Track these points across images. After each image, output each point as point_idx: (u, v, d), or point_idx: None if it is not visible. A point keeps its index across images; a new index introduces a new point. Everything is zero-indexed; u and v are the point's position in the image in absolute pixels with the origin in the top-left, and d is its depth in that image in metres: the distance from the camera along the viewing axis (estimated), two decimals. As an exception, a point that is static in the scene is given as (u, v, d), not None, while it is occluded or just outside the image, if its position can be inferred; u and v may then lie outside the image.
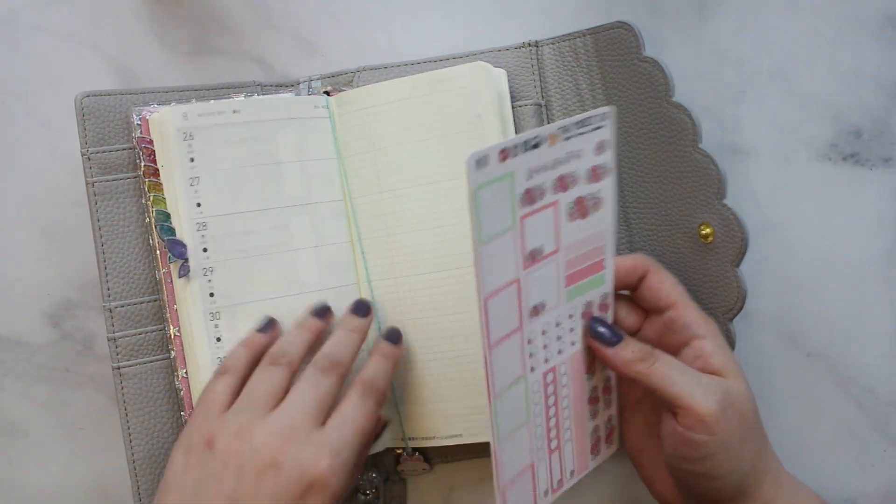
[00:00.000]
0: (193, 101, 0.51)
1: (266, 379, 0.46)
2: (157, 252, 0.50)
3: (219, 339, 0.50)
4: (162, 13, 0.56)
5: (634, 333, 0.47)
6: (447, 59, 0.53)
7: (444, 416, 0.52)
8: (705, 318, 0.46)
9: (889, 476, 0.53)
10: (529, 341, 0.42)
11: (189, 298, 0.49)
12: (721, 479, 0.43)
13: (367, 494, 0.54)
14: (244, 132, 0.50)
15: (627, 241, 0.52)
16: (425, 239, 0.51)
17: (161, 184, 0.50)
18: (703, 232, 0.49)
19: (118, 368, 0.50)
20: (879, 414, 0.53)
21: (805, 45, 0.54)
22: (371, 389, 0.46)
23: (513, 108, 0.52)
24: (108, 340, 0.50)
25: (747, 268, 0.54)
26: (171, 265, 0.50)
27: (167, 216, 0.50)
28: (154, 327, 0.51)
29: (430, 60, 0.53)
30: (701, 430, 0.42)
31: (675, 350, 0.45)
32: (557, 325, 0.44)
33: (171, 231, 0.50)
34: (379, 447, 0.52)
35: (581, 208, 0.42)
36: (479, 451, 0.54)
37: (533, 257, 0.41)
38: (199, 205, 0.49)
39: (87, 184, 0.50)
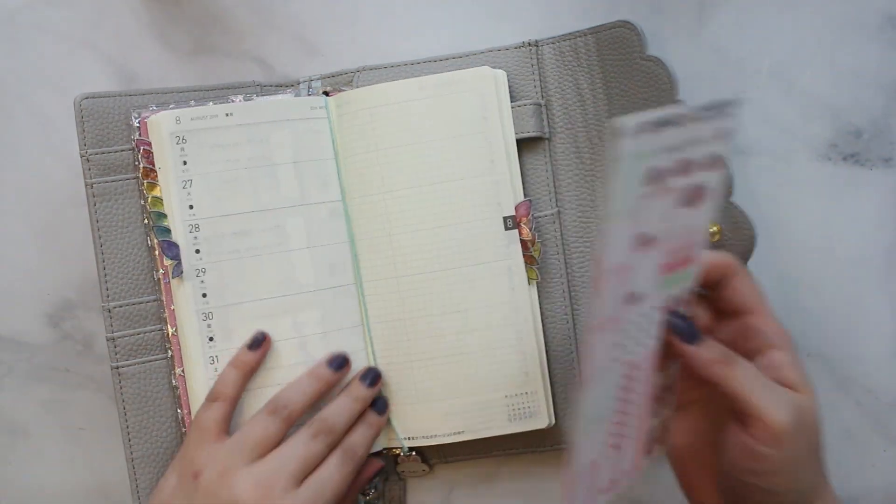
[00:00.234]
0: (192, 102, 0.51)
1: (262, 427, 0.47)
2: (156, 252, 0.50)
3: (211, 339, 0.50)
4: (162, 13, 0.56)
5: (706, 333, 0.43)
6: (447, 58, 0.53)
7: (446, 414, 0.52)
8: (782, 329, 0.44)
9: (889, 476, 0.53)
10: (624, 331, 0.39)
11: (183, 298, 0.50)
12: (780, 496, 0.42)
13: (368, 495, 0.54)
14: (238, 135, 0.50)
15: None
16: (426, 239, 0.51)
17: (159, 185, 0.50)
18: (711, 230, 0.49)
19: (117, 368, 0.50)
20: (879, 414, 0.53)
21: (805, 45, 0.54)
22: (352, 457, 0.49)
23: (512, 107, 0.52)
24: (107, 340, 0.50)
25: (748, 268, 0.54)
26: (169, 265, 0.50)
27: (164, 217, 0.50)
28: (153, 327, 0.51)
29: (430, 60, 0.53)
30: (771, 444, 0.40)
31: (746, 355, 0.43)
32: (647, 317, 0.40)
33: (168, 232, 0.50)
34: (373, 448, 0.52)
35: (691, 196, 0.39)
36: (479, 451, 0.54)
37: (643, 242, 0.37)
38: (191, 207, 0.50)
39: (86, 185, 0.50)
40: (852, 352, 0.53)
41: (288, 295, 0.51)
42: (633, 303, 0.39)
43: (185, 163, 0.50)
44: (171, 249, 0.50)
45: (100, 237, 0.50)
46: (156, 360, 0.51)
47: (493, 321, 0.51)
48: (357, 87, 0.53)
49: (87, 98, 0.51)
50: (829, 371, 0.53)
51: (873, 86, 0.53)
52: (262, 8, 0.56)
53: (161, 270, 0.50)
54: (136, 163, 0.51)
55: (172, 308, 0.50)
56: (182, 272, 0.50)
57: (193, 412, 0.50)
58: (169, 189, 0.50)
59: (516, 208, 0.51)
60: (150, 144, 0.50)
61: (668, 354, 0.42)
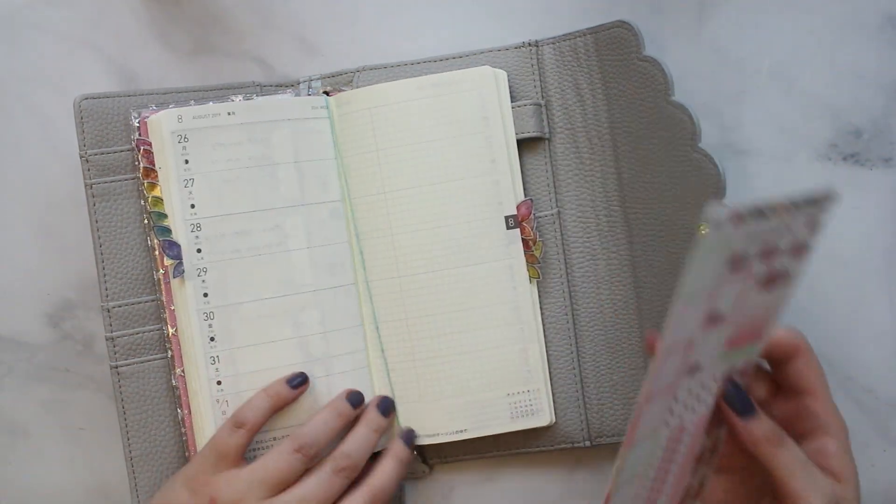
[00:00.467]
0: (192, 102, 0.51)
1: (286, 463, 0.47)
2: (156, 252, 0.50)
3: (212, 339, 0.50)
4: (162, 13, 0.56)
5: (761, 406, 0.43)
6: (447, 58, 0.53)
7: (449, 412, 0.52)
8: (838, 416, 0.44)
9: (889, 476, 0.53)
10: (676, 398, 0.39)
11: (184, 298, 0.50)
12: None
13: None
14: (239, 134, 0.50)
15: (627, 241, 0.52)
16: (427, 238, 0.51)
17: (159, 185, 0.50)
18: (703, 232, 0.48)
19: (116, 367, 0.50)
20: (879, 414, 0.53)
21: (805, 45, 0.54)
22: (381, 498, 0.48)
23: (512, 107, 0.52)
24: (107, 340, 0.50)
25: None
26: (169, 265, 0.50)
27: (164, 217, 0.50)
28: (152, 327, 0.51)
29: (430, 60, 0.53)
30: None
31: (797, 436, 0.43)
32: (702, 385, 0.41)
33: (168, 232, 0.50)
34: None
35: (770, 281, 0.39)
36: (479, 451, 0.54)
37: (713, 320, 0.37)
38: (193, 206, 0.50)
39: (85, 185, 0.50)
40: (852, 352, 0.53)
41: (288, 295, 0.51)
42: (692, 373, 0.39)
43: (186, 161, 0.50)
44: (173, 249, 0.50)
45: (99, 237, 0.51)
46: (155, 359, 0.51)
47: (494, 320, 0.51)
48: (357, 87, 0.53)
49: (86, 98, 0.51)
50: (829, 371, 0.53)
51: (873, 86, 0.53)
52: (262, 8, 0.56)
53: (161, 270, 0.50)
54: (136, 163, 0.51)
55: (172, 308, 0.50)
56: (183, 272, 0.50)
57: (193, 412, 0.50)
58: (170, 188, 0.50)
59: (518, 208, 0.51)
60: (150, 144, 0.50)
61: (718, 418, 0.42)
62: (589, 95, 0.52)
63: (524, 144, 0.52)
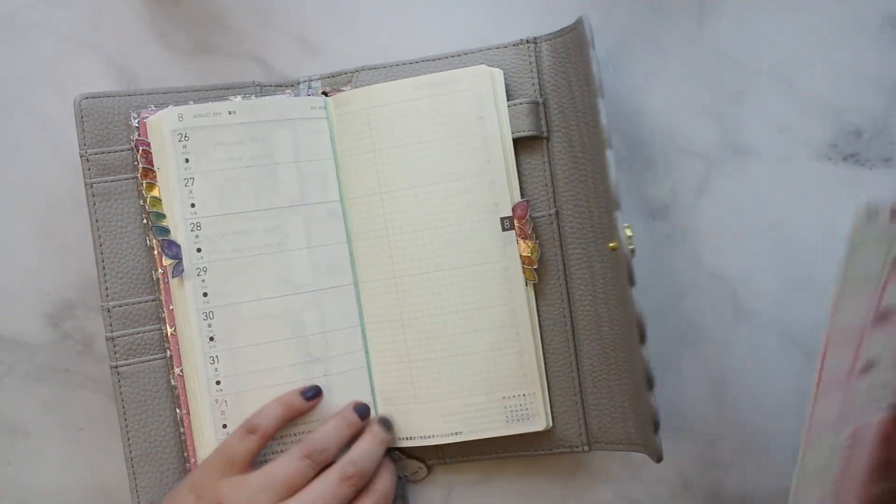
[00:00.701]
0: (191, 102, 0.51)
1: (293, 468, 0.47)
2: (155, 252, 0.50)
3: (212, 339, 0.50)
4: (162, 13, 0.56)
5: None
6: (446, 57, 0.53)
7: (444, 415, 0.52)
8: None
9: (889, 477, 0.53)
10: (853, 397, 0.39)
11: (183, 298, 0.50)
12: None
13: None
14: (240, 133, 0.50)
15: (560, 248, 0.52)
16: (424, 239, 0.51)
17: (157, 185, 0.50)
18: (611, 245, 0.47)
19: (116, 367, 0.50)
20: (880, 414, 0.53)
21: (805, 45, 0.54)
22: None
23: (508, 106, 0.52)
24: (107, 340, 0.50)
25: (748, 268, 0.54)
26: (167, 265, 0.50)
27: (162, 217, 0.50)
28: (152, 327, 0.51)
29: (430, 59, 0.53)
30: None
31: None
32: (883, 387, 0.40)
33: (166, 231, 0.50)
34: None
35: None
36: (479, 452, 0.54)
37: (884, 318, 0.38)
38: (193, 205, 0.50)
39: (85, 185, 0.50)
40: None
41: (287, 295, 0.51)
42: (867, 373, 0.39)
43: (186, 160, 0.50)
44: (172, 249, 0.50)
45: (99, 237, 0.51)
46: (155, 359, 0.51)
47: (490, 322, 0.51)
48: (356, 87, 0.53)
49: (86, 98, 0.51)
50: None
51: (873, 86, 0.53)
52: (262, 8, 0.56)
53: (160, 270, 0.50)
54: (136, 163, 0.51)
55: (171, 308, 0.50)
56: (183, 271, 0.50)
57: (192, 412, 0.50)
58: (170, 187, 0.50)
59: (514, 209, 0.51)
60: (149, 144, 0.50)
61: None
62: (578, 93, 0.51)
63: (523, 143, 0.52)
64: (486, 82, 0.51)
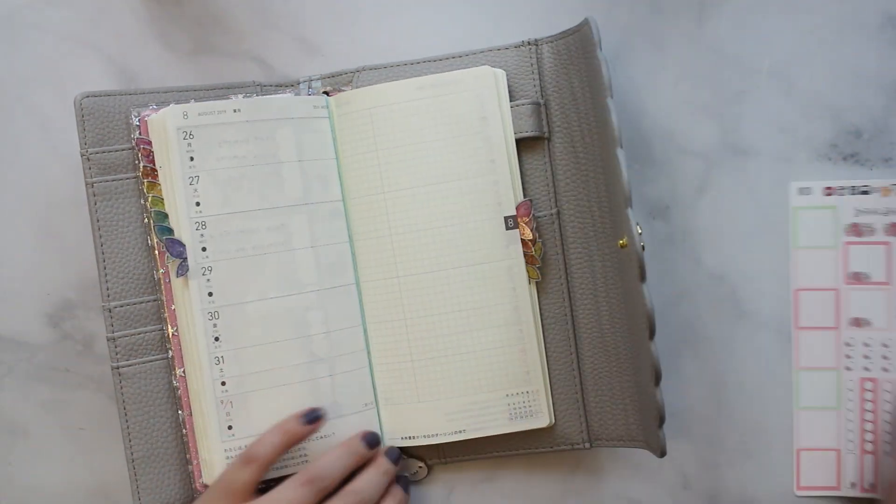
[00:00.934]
0: (192, 101, 0.51)
1: (295, 495, 0.47)
2: (156, 252, 0.50)
3: (217, 339, 0.50)
4: (162, 13, 0.56)
5: None
6: (447, 58, 0.53)
7: (447, 414, 0.52)
8: None
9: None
10: (847, 344, 0.52)
11: (187, 298, 0.50)
12: None
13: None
14: (244, 132, 0.50)
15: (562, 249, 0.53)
16: (427, 239, 0.51)
17: (159, 184, 0.50)
18: (620, 242, 0.47)
19: (117, 368, 0.50)
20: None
21: (805, 45, 0.54)
22: None
23: (510, 107, 0.52)
24: (108, 340, 0.50)
25: (748, 268, 0.54)
26: (169, 265, 0.50)
27: (165, 216, 0.50)
28: (153, 327, 0.51)
29: (430, 60, 0.53)
30: None
31: None
32: (885, 345, 0.52)
33: (169, 231, 0.50)
34: None
35: None
36: (479, 452, 0.54)
37: (857, 278, 0.51)
38: (198, 204, 0.49)
39: (86, 184, 0.50)
40: (852, 352, 0.53)
41: (292, 294, 0.51)
42: (860, 326, 0.47)
43: (191, 158, 0.49)
44: (176, 247, 0.49)
45: (100, 237, 0.50)
46: (156, 360, 0.51)
47: (493, 320, 0.51)
48: (357, 87, 0.53)
49: (87, 97, 0.51)
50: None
51: (873, 86, 0.53)
52: (262, 8, 0.56)
53: (161, 270, 0.50)
54: (137, 162, 0.51)
55: (173, 308, 0.50)
56: (187, 271, 0.49)
57: (195, 413, 0.50)
58: (174, 186, 0.49)
59: (517, 208, 0.51)
60: (150, 143, 0.50)
61: None
62: (580, 94, 0.52)
63: (524, 144, 0.52)
64: (490, 83, 0.51)
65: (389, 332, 0.52)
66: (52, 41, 0.56)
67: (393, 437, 0.53)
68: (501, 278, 0.51)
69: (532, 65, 0.53)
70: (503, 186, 0.51)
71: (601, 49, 0.47)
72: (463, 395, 0.52)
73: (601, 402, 0.52)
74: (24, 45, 0.56)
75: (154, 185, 0.50)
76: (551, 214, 0.52)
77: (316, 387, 0.51)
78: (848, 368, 0.53)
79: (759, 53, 0.54)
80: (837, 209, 0.52)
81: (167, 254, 0.50)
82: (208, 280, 0.49)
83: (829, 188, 0.52)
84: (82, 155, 0.50)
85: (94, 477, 0.56)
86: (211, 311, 0.49)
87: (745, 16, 0.54)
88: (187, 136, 0.49)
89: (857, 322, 0.53)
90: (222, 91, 0.53)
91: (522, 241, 0.51)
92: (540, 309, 0.52)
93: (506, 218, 0.51)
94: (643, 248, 0.44)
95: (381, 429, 0.53)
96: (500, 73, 0.52)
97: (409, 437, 0.52)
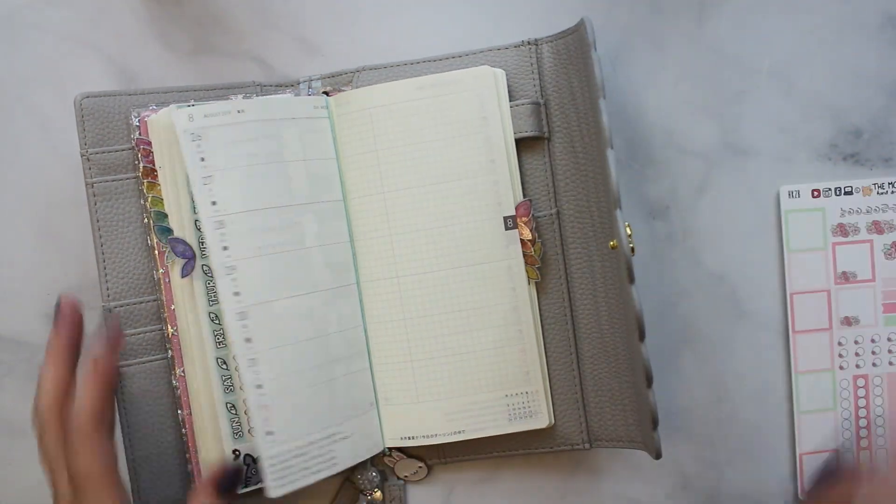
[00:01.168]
0: (192, 102, 0.51)
1: None
2: (156, 252, 0.50)
3: (248, 340, 0.48)
4: (162, 13, 0.56)
5: None
6: (447, 58, 0.53)
7: (446, 414, 0.52)
8: None
9: (889, 476, 0.53)
10: (840, 343, 0.53)
11: (192, 298, 0.49)
12: None
13: (369, 496, 0.54)
14: (251, 131, 0.50)
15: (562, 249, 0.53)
16: (426, 239, 0.51)
17: (159, 184, 0.50)
18: (611, 243, 0.48)
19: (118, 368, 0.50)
20: (879, 414, 0.53)
21: (805, 45, 0.54)
22: None
23: (510, 107, 0.52)
24: (108, 340, 0.50)
25: (747, 268, 0.54)
26: (169, 265, 0.50)
27: (164, 216, 0.50)
28: (153, 327, 0.51)
29: (430, 60, 0.53)
30: None
31: None
32: (873, 341, 0.53)
33: (169, 231, 0.50)
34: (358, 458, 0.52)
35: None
36: (479, 452, 0.54)
37: (845, 277, 0.53)
38: (214, 203, 0.48)
39: (86, 184, 0.50)
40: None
41: (311, 293, 0.50)
42: (850, 325, 0.51)
43: (202, 159, 0.48)
44: (179, 247, 0.49)
45: (100, 237, 0.50)
46: (156, 360, 0.51)
47: (493, 321, 0.51)
48: (357, 87, 0.53)
49: (87, 97, 0.51)
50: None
51: (873, 86, 0.53)
52: (262, 8, 0.56)
53: (161, 270, 0.50)
54: (136, 162, 0.51)
55: (173, 308, 0.50)
56: (192, 270, 0.49)
57: (194, 413, 0.50)
58: (177, 186, 0.49)
59: (516, 208, 0.51)
60: (149, 143, 0.50)
61: None
62: (579, 94, 0.52)
63: (524, 144, 0.52)
64: (490, 83, 0.51)
65: (389, 332, 0.52)
66: (52, 41, 0.56)
67: (392, 437, 0.53)
68: (501, 278, 0.51)
69: (532, 65, 0.53)
70: (503, 186, 0.51)
71: (596, 49, 0.47)
72: (462, 396, 0.52)
73: (601, 402, 0.52)
74: (24, 45, 0.56)
75: (154, 185, 0.50)
76: (551, 214, 0.52)
77: (333, 386, 0.51)
78: (841, 368, 0.54)
79: (759, 53, 0.54)
80: (825, 211, 0.53)
81: (169, 253, 0.49)
82: (234, 279, 0.48)
83: (816, 191, 0.53)
84: (82, 155, 0.50)
85: (94, 477, 0.56)
86: (240, 310, 0.48)
87: (745, 16, 0.54)
88: (195, 138, 0.49)
89: (848, 321, 0.54)
90: (222, 91, 0.53)
91: (522, 241, 0.51)
92: (539, 309, 0.52)
93: (505, 218, 0.51)
94: (633, 249, 0.44)
95: (381, 428, 0.53)
96: (500, 73, 0.52)
97: (409, 438, 0.53)
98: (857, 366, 0.54)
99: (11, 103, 0.56)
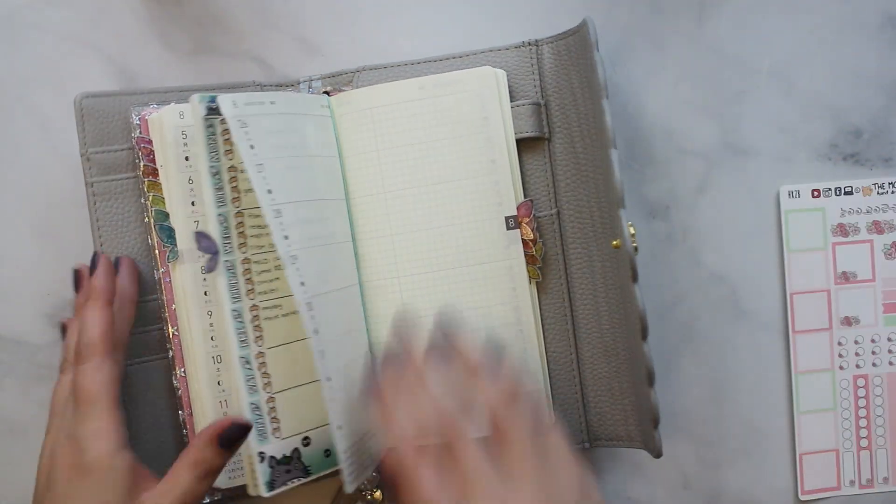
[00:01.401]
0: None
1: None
2: (156, 252, 0.50)
3: (317, 331, 0.46)
4: (162, 13, 0.56)
5: None
6: (447, 58, 0.53)
7: (446, 414, 0.52)
8: None
9: (889, 476, 0.53)
10: (840, 343, 0.53)
11: (216, 294, 0.48)
12: None
13: (369, 495, 0.54)
14: (283, 123, 0.49)
15: (561, 247, 0.53)
16: (427, 239, 0.51)
17: (160, 183, 0.50)
18: (614, 243, 0.48)
19: (118, 368, 0.50)
20: (879, 414, 0.53)
21: (805, 45, 0.54)
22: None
23: (511, 106, 0.52)
24: (108, 340, 0.50)
25: (747, 268, 0.54)
26: (170, 264, 0.50)
27: (165, 215, 0.50)
28: (153, 327, 0.51)
29: (431, 60, 0.53)
30: None
31: None
32: (873, 341, 0.54)
33: (171, 231, 0.50)
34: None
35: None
36: (479, 451, 0.54)
37: (846, 278, 0.53)
38: (270, 191, 0.46)
39: (86, 184, 0.50)
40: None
41: (344, 286, 0.50)
42: (851, 325, 0.51)
43: (252, 147, 0.46)
44: (204, 242, 0.48)
45: (100, 236, 0.50)
46: (157, 360, 0.51)
47: (494, 320, 0.51)
48: (357, 87, 0.53)
49: (87, 97, 0.50)
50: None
51: (873, 86, 0.53)
52: (262, 8, 0.56)
53: (161, 269, 0.50)
54: (136, 161, 0.50)
55: (173, 308, 0.50)
56: (216, 266, 0.47)
57: (195, 413, 0.50)
58: (176, 185, 0.49)
59: (518, 208, 0.51)
60: (150, 142, 0.50)
61: None
62: (580, 95, 0.52)
63: (525, 144, 0.52)
64: (491, 83, 0.51)
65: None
66: (52, 41, 0.56)
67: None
68: (502, 278, 0.51)
69: (532, 65, 0.53)
70: (504, 186, 0.51)
71: (598, 50, 0.47)
72: (463, 395, 0.52)
73: (601, 402, 0.52)
74: (24, 45, 0.56)
75: (154, 184, 0.50)
76: (551, 214, 0.52)
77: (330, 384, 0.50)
78: (841, 368, 0.54)
79: (759, 53, 0.54)
80: (826, 211, 0.53)
81: (171, 252, 0.49)
82: (298, 269, 0.46)
83: (816, 191, 0.53)
84: (82, 155, 0.50)
85: (94, 477, 0.56)
86: (308, 300, 0.46)
87: (745, 16, 0.54)
88: (243, 125, 0.46)
89: (848, 321, 0.54)
90: (223, 91, 0.53)
91: (523, 241, 0.51)
92: (540, 309, 0.52)
93: (507, 218, 0.51)
94: (636, 248, 0.45)
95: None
96: (501, 73, 0.52)
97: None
98: (857, 366, 0.54)
99: (11, 103, 0.56)
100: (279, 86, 0.54)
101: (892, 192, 0.53)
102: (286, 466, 0.48)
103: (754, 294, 0.54)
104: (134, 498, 0.44)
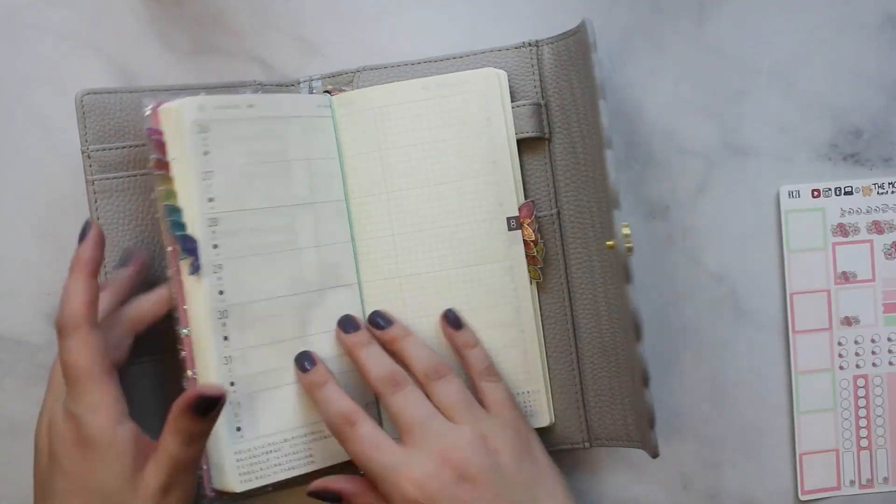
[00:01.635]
0: (202, 92, 0.49)
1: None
2: (169, 249, 0.48)
3: (226, 339, 0.48)
4: (162, 13, 0.56)
5: None
6: (448, 58, 0.53)
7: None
8: None
9: (889, 476, 0.53)
10: (839, 343, 0.53)
11: (199, 297, 0.48)
12: None
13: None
14: (258, 128, 0.49)
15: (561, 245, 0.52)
16: (429, 239, 0.51)
17: (172, 177, 0.48)
18: (608, 244, 0.47)
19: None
20: (879, 414, 0.53)
21: (805, 45, 0.54)
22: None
23: (511, 107, 0.52)
24: (108, 340, 0.50)
25: (747, 268, 0.54)
26: (181, 263, 0.48)
27: (177, 211, 0.48)
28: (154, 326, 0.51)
29: (431, 60, 0.53)
30: None
31: None
32: (873, 341, 0.54)
33: (183, 227, 0.48)
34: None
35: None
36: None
37: (845, 278, 0.53)
38: (211, 200, 0.48)
39: (87, 182, 0.50)
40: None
41: (297, 294, 0.50)
42: (851, 325, 0.51)
43: (206, 153, 0.47)
44: (189, 244, 0.48)
45: (100, 235, 0.50)
46: (157, 359, 0.51)
47: (494, 321, 0.51)
48: (358, 87, 0.53)
49: (88, 94, 0.50)
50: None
51: (873, 86, 0.53)
52: (262, 8, 0.56)
53: (173, 268, 0.48)
54: (149, 154, 0.48)
55: (185, 308, 0.49)
56: (200, 269, 0.48)
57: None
58: (186, 180, 0.48)
59: (520, 209, 0.51)
60: (161, 134, 0.48)
61: None
62: (580, 95, 0.52)
63: (525, 144, 0.52)
64: (494, 84, 0.51)
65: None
66: (52, 41, 0.56)
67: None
68: (503, 279, 0.51)
69: (532, 66, 0.53)
70: (505, 187, 0.51)
71: (596, 51, 0.47)
72: (463, 395, 0.51)
73: (601, 402, 0.52)
74: (24, 45, 0.56)
75: (166, 177, 0.48)
76: (552, 215, 0.52)
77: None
78: (841, 368, 0.54)
79: (759, 53, 0.54)
80: (826, 211, 0.53)
81: (179, 251, 0.48)
82: (219, 278, 0.48)
83: (816, 191, 0.53)
84: (83, 152, 0.50)
85: (94, 477, 0.56)
86: (221, 309, 0.48)
87: (745, 16, 0.54)
88: (202, 130, 0.47)
89: (848, 321, 0.54)
90: (222, 91, 0.53)
91: (525, 241, 0.51)
92: (541, 309, 0.52)
93: (508, 219, 0.51)
94: (631, 249, 0.44)
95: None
96: (503, 74, 0.52)
97: (410, 437, 0.52)
98: (857, 366, 0.54)
99: (11, 103, 0.56)
100: (279, 85, 0.54)
101: (892, 192, 0.53)
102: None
103: (754, 294, 0.54)
104: (140, 467, 0.44)
